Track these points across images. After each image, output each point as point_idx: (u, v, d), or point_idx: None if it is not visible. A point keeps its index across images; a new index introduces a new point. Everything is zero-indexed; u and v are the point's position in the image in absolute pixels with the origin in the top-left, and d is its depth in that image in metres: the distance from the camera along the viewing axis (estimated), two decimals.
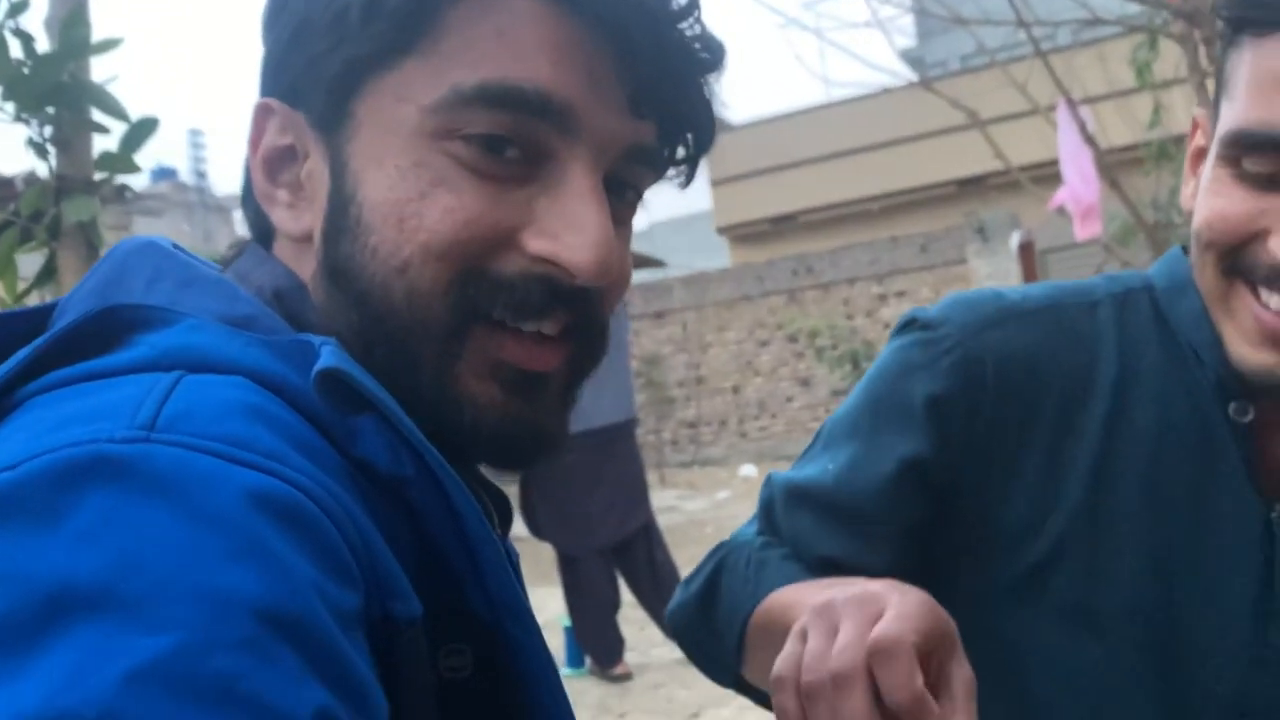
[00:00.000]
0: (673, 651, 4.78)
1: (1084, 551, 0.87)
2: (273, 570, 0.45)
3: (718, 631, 0.92)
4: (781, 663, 0.68)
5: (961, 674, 0.66)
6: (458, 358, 0.58)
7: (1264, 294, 0.81)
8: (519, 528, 5.08)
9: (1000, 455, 0.88)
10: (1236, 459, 0.87)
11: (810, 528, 0.94)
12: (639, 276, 10.91)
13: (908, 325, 0.94)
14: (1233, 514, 0.87)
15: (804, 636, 0.68)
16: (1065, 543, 0.87)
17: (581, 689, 4.65)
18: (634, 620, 4.93)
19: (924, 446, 0.89)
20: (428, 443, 0.54)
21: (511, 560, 0.67)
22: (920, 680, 0.63)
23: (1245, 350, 0.83)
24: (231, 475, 0.47)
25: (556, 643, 4.97)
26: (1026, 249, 10.76)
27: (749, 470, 10.60)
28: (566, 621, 4.82)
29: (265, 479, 0.47)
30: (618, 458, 4.71)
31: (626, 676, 4.66)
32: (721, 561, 0.97)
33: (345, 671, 0.46)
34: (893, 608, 0.66)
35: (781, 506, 0.97)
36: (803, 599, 0.81)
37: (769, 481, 1.00)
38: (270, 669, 0.43)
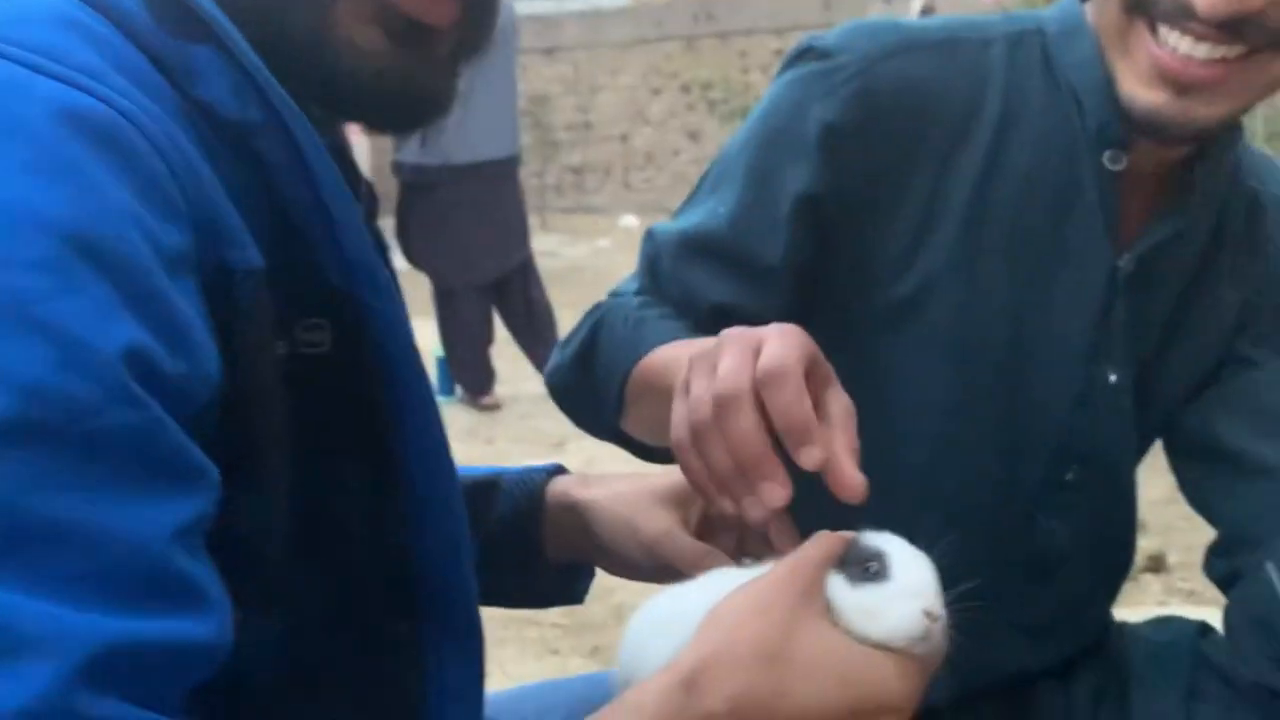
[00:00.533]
0: (541, 386, 4.86)
1: (952, 287, 0.89)
2: (82, 191, 0.41)
3: (596, 391, 0.92)
4: (676, 427, 0.66)
5: (839, 401, 0.66)
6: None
7: (1162, 31, 0.80)
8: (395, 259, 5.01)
9: (886, 187, 0.89)
10: (1097, 208, 0.89)
11: (702, 277, 0.93)
12: (529, 7, 10.41)
13: (803, 55, 0.91)
14: (1084, 261, 0.90)
15: (687, 389, 0.66)
16: (937, 277, 0.89)
17: (451, 416, 4.74)
18: (506, 355, 5.00)
19: (818, 179, 0.88)
20: (273, 81, 0.50)
21: (379, 244, 0.64)
22: (810, 402, 0.62)
23: (1137, 89, 0.83)
24: (37, 86, 0.42)
25: (429, 373, 5.02)
26: (928, 13, 10.62)
27: (630, 221, 10.58)
28: (439, 352, 4.87)
29: (77, 94, 0.42)
30: (500, 194, 4.63)
31: (495, 407, 4.77)
32: (599, 321, 0.95)
33: (165, 310, 0.43)
34: (773, 337, 0.65)
35: (670, 258, 0.95)
36: (682, 353, 0.80)
37: (651, 236, 0.98)
38: (75, 295, 0.40)
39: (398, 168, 4.60)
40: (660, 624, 0.65)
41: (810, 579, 0.59)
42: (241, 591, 0.47)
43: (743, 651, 0.55)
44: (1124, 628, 1.04)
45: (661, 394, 0.84)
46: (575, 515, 0.78)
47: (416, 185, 4.58)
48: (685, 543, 0.72)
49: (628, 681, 0.64)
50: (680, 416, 0.66)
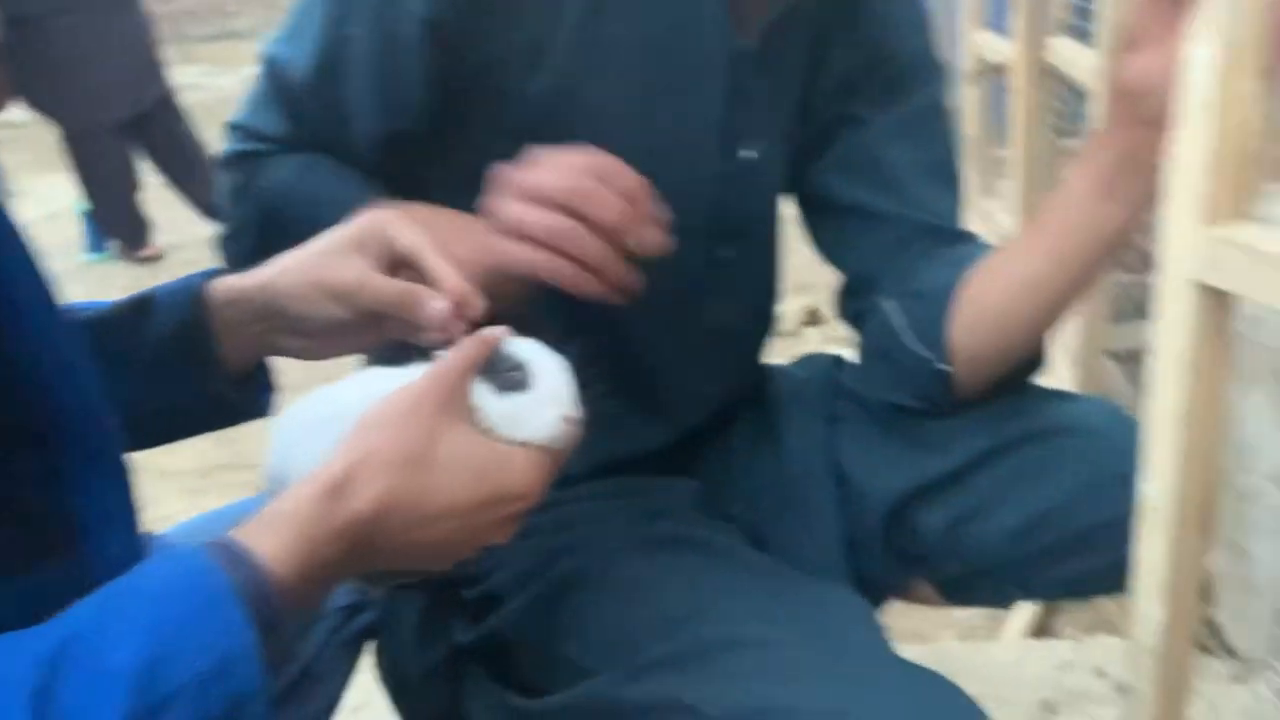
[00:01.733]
0: (207, 230, 4.59)
1: (580, 84, 0.89)
2: None
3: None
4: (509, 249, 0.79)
5: None
6: None
7: None
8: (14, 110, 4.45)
9: None
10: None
11: (355, 108, 0.89)
12: None
13: None
14: (708, 47, 0.92)
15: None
16: (564, 75, 0.89)
17: (109, 274, 4.39)
18: (163, 201, 4.63)
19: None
20: None
21: None
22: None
23: None
24: None
25: (74, 231, 4.59)
26: None
27: None
28: (82, 206, 4.44)
29: None
30: (117, 21, 4.20)
31: (157, 257, 4.46)
32: (265, 213, 0.91)
33: None
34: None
35: (310, 91, 0.91)
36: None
37: (276, 66, 0.92)
38: None
39: None
40: (310, 425, 0.67)
41: (453, 385, 0.64)
42: None
43: (386, 457, 0.60)
44: (772, 370, 1.15)
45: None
46: (249, 302, 0.76)
47: (19, 19, 4.04)
48: (385, 282, 0.73)
49: (279, 480, 0.66)
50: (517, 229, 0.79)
